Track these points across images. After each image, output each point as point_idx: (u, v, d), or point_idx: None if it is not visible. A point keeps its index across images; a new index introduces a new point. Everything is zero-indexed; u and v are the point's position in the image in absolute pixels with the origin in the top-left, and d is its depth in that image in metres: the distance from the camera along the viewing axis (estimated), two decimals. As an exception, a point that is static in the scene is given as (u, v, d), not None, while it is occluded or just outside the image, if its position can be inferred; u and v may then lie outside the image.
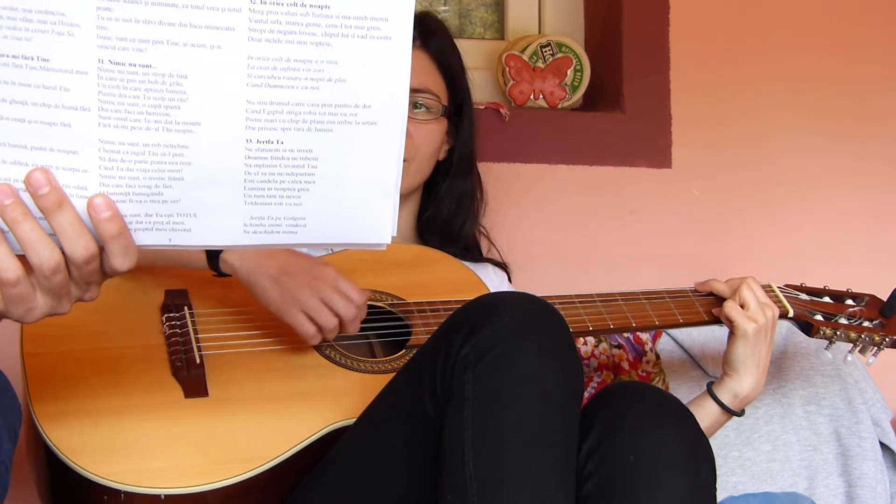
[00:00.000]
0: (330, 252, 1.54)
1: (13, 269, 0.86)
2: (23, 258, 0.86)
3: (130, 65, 0.82)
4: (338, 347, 1.40)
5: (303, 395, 1.32)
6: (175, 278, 1.43)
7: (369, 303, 1.46)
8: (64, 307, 0.90)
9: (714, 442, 1.28)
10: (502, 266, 1.78)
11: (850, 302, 1.66)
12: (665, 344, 1.93)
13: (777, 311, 1.53)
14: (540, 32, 2.23)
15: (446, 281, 1.56)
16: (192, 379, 1.29)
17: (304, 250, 1.51)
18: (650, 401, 1.21)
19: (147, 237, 0.88)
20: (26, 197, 0.84)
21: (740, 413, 1.51)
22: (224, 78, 0.83)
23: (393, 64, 0.86)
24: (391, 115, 0.88)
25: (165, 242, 0.89)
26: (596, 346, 1.89)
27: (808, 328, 1.59)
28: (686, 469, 1.15)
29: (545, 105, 2.10)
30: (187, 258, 1.39)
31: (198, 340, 1.34)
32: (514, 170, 2.06)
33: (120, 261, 0.88)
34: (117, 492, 1.16)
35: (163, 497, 1.17)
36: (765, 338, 1.49)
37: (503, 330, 1.12)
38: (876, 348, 1.62)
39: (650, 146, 2.13)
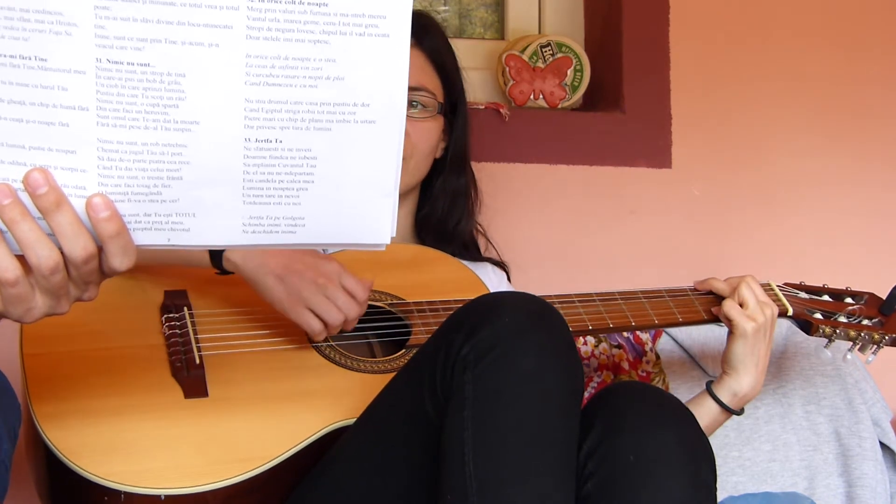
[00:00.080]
0: (324, 252, 1.54)
1: (12, 269, 0.86)
2: (22, 258, 0.86)
3: (128, 64, 0.82)
4: (337, 347, 1.40)
5: (303, 395, 1.32)
6: (174, 278, 1.43)
7: (369, 302, 1.46)
8: (63, 307, 0.90)
9: (714, 442, 1.28)
10: (501, 265, 1.78)
11: (849, 300, 1.65)
12: (665, 344, 1.93)
13: (776, 310, 1.53)
14: (540, 32, 2.23)
15: (446, 280, 1.56)
16: (191, 379, 1.29)
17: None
18: (650, 401, 1.21)
19: (146, 237, 0.88)
20: (25, 197, 0.84)
21: (739, 412, 1.51)
22: (222, 76, 0.83)
23: (391, 62, 0.86)
24: (390, 114, 0.88)
25: (164, 242, 0.89)
26: (596, 346, 1.89)
27: (807, 326, 1.59)
28: (686, 469, 1.15)
29: (545, 105, 2.10)
30: (189, 256, 1.39)
31: (197, 341, 1.34)
32: (514, 170, 2.06)
33: (119, 260, 0.88)
34: (117, 492, 1.16)
35: (163, 497, 1.17)
36: (764, 337, 1.49)
37: (503, 330, 1.12)
38: (875, 346, 1.62)
39: (650, 146, 2.13)
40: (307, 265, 1.34)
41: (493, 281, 1.69)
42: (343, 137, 0.88)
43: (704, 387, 1.52)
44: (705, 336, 1.92)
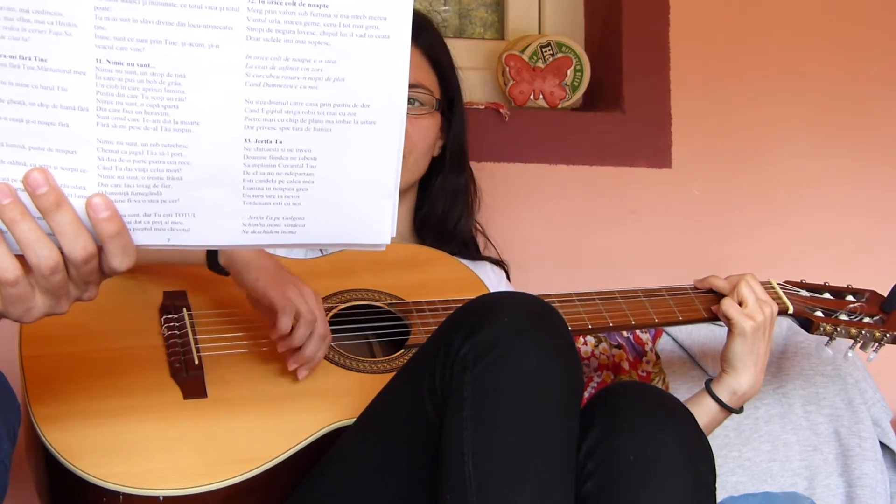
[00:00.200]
0: (322, 253, 1.54)
1: (12, 269, 0.86)
2: (21, 258, 0.86)
3: (128, 64, 0.82)
4: (336, 348, 1.40)
5: (302, 396, 1.32)
6: (174, 279, 1.43)
7: (368, 303, 1.46)
8: (63, 307, 0.90)
9: (714, 442, 1.28)
10: (500, 264, 1.78)
11: (850, 298, 1.65)
12: (665, 344, 1.93)
13: (776, 308, 1.52)
14: (540, 32, 2.23)
15: (445, 280, 1.56)
16: (190, 380, 1.29)
17: (299, 253, 1.52)
18: (650, 401, 1.21)
19: (146, 237, 0.88)
20: (25, 197, 0.84)
21: (739, 410, 1.51)
22: (222, 77, 0.83)
23: (391, 63, 0.86)
24: (390, 115, 0.88)
25: (164, 242, 0.89)
26: (596, 346, 1.89)
27: (808, 324, 1.59)
28: (686, 469, 1.15)
29: (545, 105, 2.10)
30: (187, 254, 1.39)
31: (196, 342, 1.34)
32: (514, 170, 2.06)
33: (119, 260, 0.88)
34: (116, 493, 1.16)
35: (161, 498, 1.17)
36: (763, 335, 1.49)
37: (503, 330, 1.12)
38: (877, 344, 1.61)
39: (650, 146, 2.13)
40: (294, 274, 1.35)
41: (493, 280, 1.69)
42: (343, 138, 0.88)
43: (704, 383, 1.52)
44: (705, 336, 1.92)
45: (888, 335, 1.61)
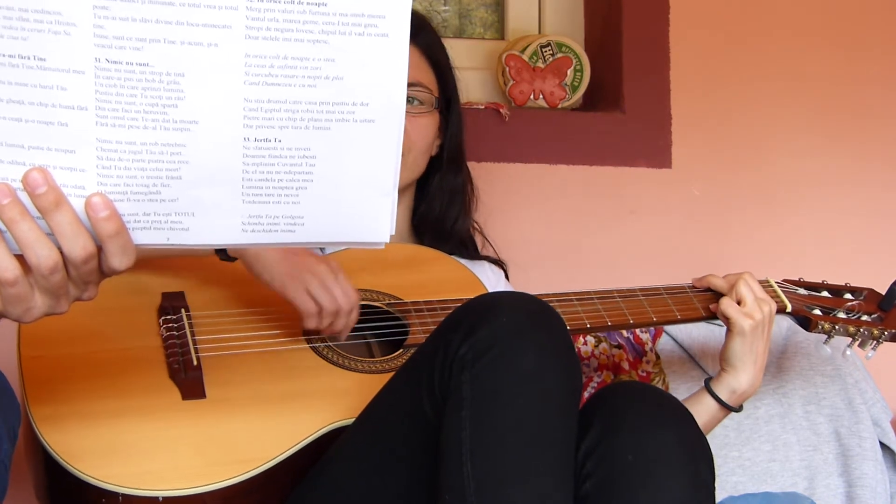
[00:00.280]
0: (321, 252, 1.54)
1: (11, 269, 0.86)
2: (21, 258, 0.86)
3: (127, 63, 0.82)
4: (335, 348, 1.40)
5: (301, 396, 1.32)
6: (172, 280, 1.43)
7: (367, 303, 1.46)
8: (62, 307, 0.90)
9: (714, 442, 1.28)
10: (499, 263, 1.78)
11: (848, 296, 1.65)
12: (665, 344, 1.93)
13: (774, 307, 1.52)
14: (540, 32, 2.23)
15: (443, 280, 1.56)
16: (189, 381, 1.29)
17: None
18: (650, 401, 1.21)
19: (145, 236, 0.88)
20: (24, 196, 0.84)
21: (738, 409, 1.50)
22: (221, 76, 0.83)
23: (390, 61, 0.86)
24: (389, 113, 0.88)
25: (164, 241, 0.89)
26: (596, 346, 1.89)
27: (806, 323, 1.59)
28: (686, 469, 1.15)
29: (545, 105, 2.10)
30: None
31: (195, 342, 1.34)
32: (514, 170, 2.06)
33: (118, 260, 0.88)
34: (115, 494, 1.16)
35: (161, 499, 1.17)
36: (762, 334, 1.49)
37: (501, 330, 1.11)
38: (875, 342, 1.61)
39: (650, 146, 2.13)
40: (307, 254, 1.37)
41: (491, 280, 1.69)
42: (342, 137, 0.88)
43: (703, 383, 1.52)
44: (705, 336, 1.92)
45: (886, 333, 1.60)
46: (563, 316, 1.19)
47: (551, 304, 1.18)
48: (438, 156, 1.70)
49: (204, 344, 1.35)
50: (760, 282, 1.55)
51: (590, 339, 1.88)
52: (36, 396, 1.23)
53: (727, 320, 1.50)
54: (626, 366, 1.89)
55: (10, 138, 0.83)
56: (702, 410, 1.48)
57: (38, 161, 0.83)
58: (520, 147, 2.06)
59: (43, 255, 0.85)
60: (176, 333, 1.35)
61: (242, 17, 0.82)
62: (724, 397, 1.49)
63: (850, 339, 1.62)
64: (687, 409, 1.21)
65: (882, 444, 1.90)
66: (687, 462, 1.15)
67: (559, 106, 2.11)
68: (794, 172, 2.20)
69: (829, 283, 1.68)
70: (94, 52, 0.81)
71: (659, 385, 1.89)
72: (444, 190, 1.70)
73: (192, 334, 1.35)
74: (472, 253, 1.75)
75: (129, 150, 0.84)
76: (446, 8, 2.27)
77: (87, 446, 1.19)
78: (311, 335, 1.40)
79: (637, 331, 1.91)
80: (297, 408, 1.30)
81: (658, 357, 1.91)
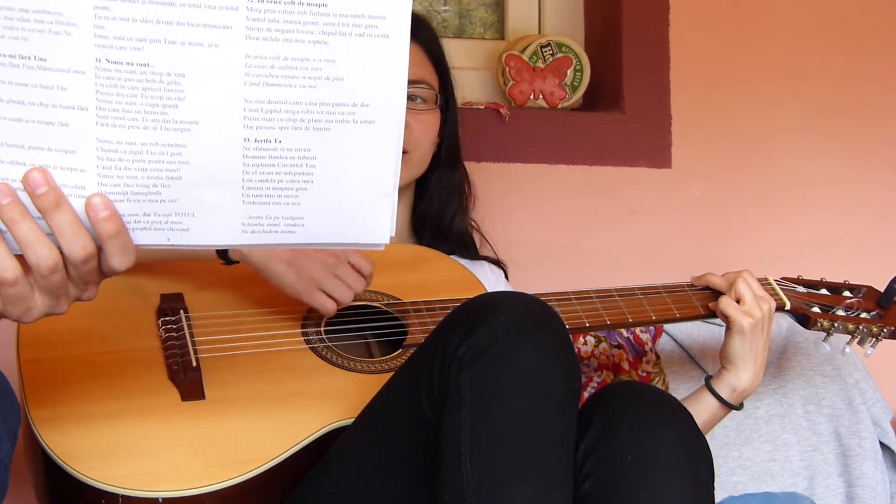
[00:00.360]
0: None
1: (11, 269, 0.86)
2: (21, 258, 0.86)
3: (128, 64, 0.82)
4: (334, 348, 1.40)
5: (300, 396, 1.32)
6: (171, 281, 1.43)
7: (366, 303, 1.46)
8: (62, 307, 0.90)
9: (714, 442, 1.28)
10: (499, 264, 1.78)
11: (847, 294, 1.65)
12: (665, 344, 1.93)
13: (773, 305, 1.52)
14: (540, 32, 2.23)
15: (442, 280, 1.56)
16: (188, 382, 1.29)
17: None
18: (649, 401, 1.21)
19: (145, 237, 0.88)
20: (24, 196, 0.84)
21: (739, 407, 1.51)
22: (222, 77, 0.83)
23: (390, 62, 0.86)
24: (389, 114, 0.88)
25: (164, 242, 0.89)
26: (596, 346, 1.89)
27: (805, 320, 1.59)
28: (685, 469, 1.15)
29: (545, 105, 2.10)
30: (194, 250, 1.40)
31: (194, 343, 1.34)
32: (514, 170, 2.06)
33: (118, 260, 0.88)
34: (115, 495, 1.16)
35: (161, 500, 1.17)
36: (762, 332, 1.49)
37: (500, 330, 1.11)
38: (874, 339, 1.61)
39: (650, 146, 2.13)
40: (310, 250, 1.37)
41: (491, 280, 1.69)
42: (342, 137, 0.88)
43: (703, 382, 1.52)
44: (705, 336, 1.92)
45: (885, 330, 1.60)
46: (562, 315, 1.19)
47: (550, 304, 1.18)
48: (437, 153, 1.70)
49: (203, 345, 1.35)
50: (759, 280, 1.55)
51: (590, 339, 1.88)
52: (35, 398, 1.23)
53: (726, 319, 1.50)
54: (626, 366, 1.89)
55: (10, 138, 0.83)
56: (702, 409, 1.48)
57: (39, 161, 0.83)
58: (520, 147, 2.06)
59: (43, 255, 0.85)
60: (175, 335, 1.35)
61: (243, 17, 0.82)
62: (724, 395, 1.49)
63: (850, 336, 1.62)
64: (687, 410, 1.21)
65: (882, 444, 1.90)
66: (687, 462, 1.15)
67: (559, 106, 2.11)
68: (794, 172, 2.20)
69: (828, 280, 1.68)
70: (95, 52, 0.81)
71: (659, 385, 1.89)
72: (442, 187, 1.71)
73: (192, 335, 1.35)
74: (472, 253, 1.75)
75: (130, 151, 0.84)
76: (446, 8, 2.27)
77: (86, 447, 1.19)
78: (310, 335, 1.40)
79: (637, 331, 1.91)
80: (297, 408, 1.30)
81: (658, 357, 1.91)
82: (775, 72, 2.20)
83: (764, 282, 1.59)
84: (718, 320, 1.54)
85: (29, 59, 0.81)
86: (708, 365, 1.90)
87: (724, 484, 1.84)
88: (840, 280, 1.69)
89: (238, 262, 1.39)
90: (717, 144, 2.17)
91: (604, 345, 1.89)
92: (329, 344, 1.40)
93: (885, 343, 1.63)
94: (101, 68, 0.82)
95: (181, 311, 1.38)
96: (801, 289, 1.65)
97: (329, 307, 1.37)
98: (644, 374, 1.90)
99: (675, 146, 2.14)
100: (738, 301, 1.50)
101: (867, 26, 2.26)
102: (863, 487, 1.84)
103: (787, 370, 1.94)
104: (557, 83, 2.09)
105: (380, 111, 0.87)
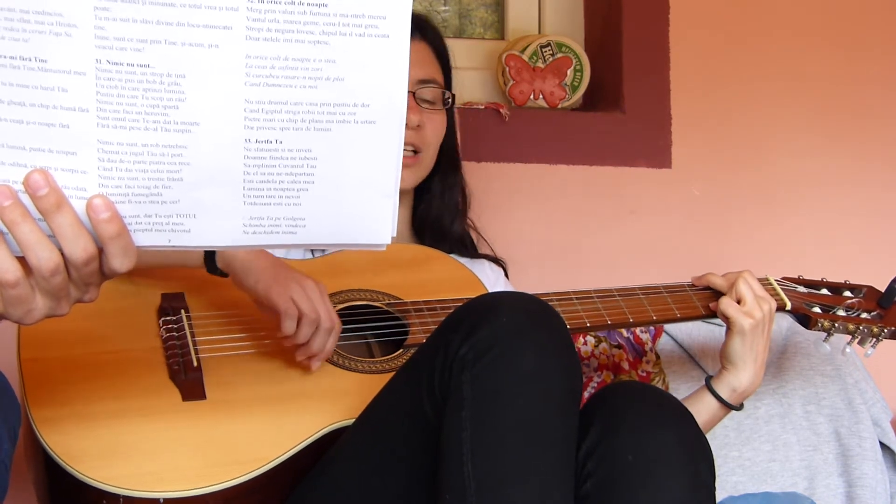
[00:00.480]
0: (323, 253, 1.54)
1: (12, 271, 0.86)
2: (22, 259, 0.86)
3: (128, 65, 0.82)
4: (335, 348, 1.40)
5: (301, 397, 1.32)
6: (171, 281, 1.43)
7: (366, 303, 1.46)
8: (63, 308, 0.90)
9: (714, 442, 1.28)
10: (498, 262, 1.78)
11: (847, 294, 1.65)
12: (665, 344, 1.93)
13: (774, 305, 1.52)
14: (540, 32, 2.23)
15: (443, 280, 1.56)
16: (189, 382, 1.29)
17: (298, 254, 1.51)
18: (650, 401, 1.21)
19: (146, 238, 0.88)
20: (25, 198, 0.84)
21: (739, 407, 1.51)
22: (222, 77, 0.83)
23: (391, 62, 0.86)
24: (390, 114, 0.88)
25: (165, 243, 0.89)
26: (596, 346, 1.89)
27: (805, 320, 1.59)
28: (686, 469, 1.15)
29: (545, 105, 2.10)
30: (186, 256, 1.39)
31: (195, 343, 1.34)
32: (514, 170, 2.06)
33: (119, 262, 0.88)
34: (116, 496, 1.16)
35: (162, 500, 1.17)
36: (762, 332, 1.49)
37: (501, 330, 1.11)
38: (875, 339, 1.61)
39: (650, 146, 2.13)
40: (295, 269, 1.35)
41: (491, 278, 1.69)
42: (343, 138, 0.88)
43: (704, 382, 1.52)
44: (705, 336, 1.92)
45: (886, 330, 1.60)
46: (562, 315, 1.19)
47: (551, 304, 1.18)
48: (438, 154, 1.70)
49: (204, 345, 1.35)
50: (760, 280, 1.55)
51: (590, 338, 1.88)
52: (36, 398, 1.23)
53: (727, 319, 1.50)
54: (626, 366, 1.89)
55: (11, 140, 0.83)
56: (702, 409, 1.48)
57: (40, 163, 0.83)
58: (520, 147, 2.06)
59: (44, 256, 0.85)
60: (176, 334, 1.35)
61: (243, 18, 0.82)
62: (724, 395, 1.49)
63: (850, 336, 1.62)
64: (687, 409, 1.21)
65: (882, 444, 1.90)
66: (687, 462, 1.15)
67: (559, 106, 2.11)
68: (794, 172, 2.20)
69: (829, 280, 1.68)
70: (95, 53, 0.81)
71: (659, 385, 1.89)
72: (443, 188, 1.70)
73: (192, 335, 1.35)
74: (472, 252, 1.75)
75: (131, 152, 0.84)
76: (446, 8, 2.27)
77: (87, 448, 1.19)
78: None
79: (637, 331, 1.91)
80: (298, 408, 1.30)
81: (658, 357, 1.91)
82: (775, 72, 2.20)
83: (765, 282, 1.59)
84: (719, 320, 1.54)
85: (29, 60, 0.81)
86: (708, 365, 1.90)
87: (724, 484, 1.84)
88: (841, 280, 1.69)
89: (227, 276, 1.35)
90: (717, 144, 2.17)
91: (604, 345, 1.90)
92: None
93: (886, 343, 1.63)
94: (102, 69, 0.81)
95: (182, 311, 1.38)
96: (801, 289, 1.65)
97: (290, 306, 1.30)
98: (644, 374, 1.90)
99: (675, 146, 2.14)
100: (738, 301, 1.50)
101: (867, 26, 2.26)
102: (863, 487, 1.84)
103: (787, 370, 1.94)
104: (557, 83, 2.09)
105: (380, 111, 0.87)
